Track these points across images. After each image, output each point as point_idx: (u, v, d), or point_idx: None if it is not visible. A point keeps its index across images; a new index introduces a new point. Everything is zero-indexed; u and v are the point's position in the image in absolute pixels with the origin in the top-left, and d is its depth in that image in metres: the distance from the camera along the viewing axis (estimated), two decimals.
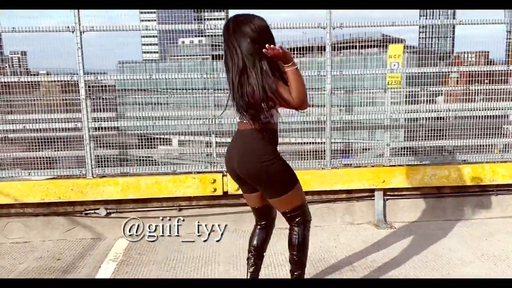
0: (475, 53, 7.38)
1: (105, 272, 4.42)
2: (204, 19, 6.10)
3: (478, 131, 5.65)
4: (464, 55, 7.49)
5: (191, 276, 4.27)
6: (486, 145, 5.70)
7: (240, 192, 5.26)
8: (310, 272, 4.18)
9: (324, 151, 5.42)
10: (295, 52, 5.31)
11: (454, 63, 6.68)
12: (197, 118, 5.50)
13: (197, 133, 5.77)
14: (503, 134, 5.84)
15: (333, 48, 5.28)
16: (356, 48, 6.30)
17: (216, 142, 5.60)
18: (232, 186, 5.23)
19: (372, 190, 5.53)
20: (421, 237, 5.07)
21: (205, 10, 6.02)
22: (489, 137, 5.66)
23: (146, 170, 5.39)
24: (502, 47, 6.01)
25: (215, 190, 5.23)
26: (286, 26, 5.17)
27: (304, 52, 5.43)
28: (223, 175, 5.26)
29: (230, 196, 5.33)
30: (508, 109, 5.81)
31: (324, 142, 5.44)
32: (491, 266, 4.34)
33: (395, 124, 5.65)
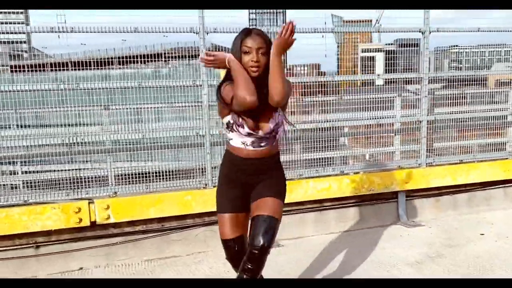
0: (306, 66, 7.52)
1: None
2: None
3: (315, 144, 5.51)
4: (296, 68, 7.60)
5: None
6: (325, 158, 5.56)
7: (111, 221, 4.63)
8: None
9: (204, 168, 4.97)
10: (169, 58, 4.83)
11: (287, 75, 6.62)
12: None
13: None
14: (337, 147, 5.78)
15: None
16: None
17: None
18: (101, 215, 4.53)
19: None
20: (308, 253, 4.85)
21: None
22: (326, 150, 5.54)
23: None
24: (333, 61, 6.11)
25: (80, 220, 4.48)
26: (154, 30, 4.67)
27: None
28: (89, 202, 4.53)
29: (99, 226, 4.61)
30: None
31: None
32: (383, 274, 4.30)
33: None
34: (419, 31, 5.55)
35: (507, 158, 6.18)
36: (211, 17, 4.81)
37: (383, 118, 5.70)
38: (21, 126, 4.86)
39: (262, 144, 2.96)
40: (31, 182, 4.78)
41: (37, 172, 4.92)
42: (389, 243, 5.09)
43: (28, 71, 4.75)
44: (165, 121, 5.01)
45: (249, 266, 2.87)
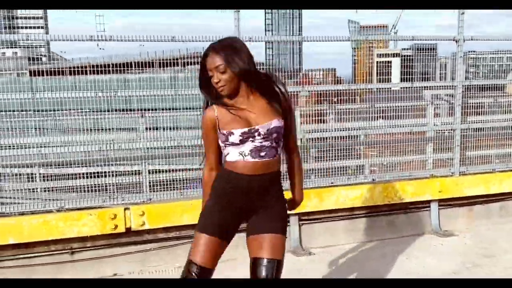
0: (322, 70, 7.46)
1: None
2: (18, 28, 5.26)
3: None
4: (312, 73, 7.55)
5: None
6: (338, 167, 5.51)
7: (145, 227, 4.65)
8: None
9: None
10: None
11: (303, 82, 6.62)
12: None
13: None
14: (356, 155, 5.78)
15: None
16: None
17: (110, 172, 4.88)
18: (136, 221, 4.55)
19: None
20: (340, 261, 4.83)
21: (19, 18, 5.25)
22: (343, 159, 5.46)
23: (26, 208, 4.49)
24: (348, 65, 6.01)
25: (116, 227, 4.51)
26: (191, 39, 4.70)
27: None
28: (125, 209, 4.56)
29: (134, 233, 4.64)
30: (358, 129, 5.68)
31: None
32: None
33: None
34: (453, 40, 5.48)
35: None
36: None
37: (416, 126, 5.65)
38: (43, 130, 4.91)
39: (262, 154, 2.60)
40: (67, 188, 4.83)
41: (74, 178, 4.97)
42: (423, 253, 5.03)
43: (49, 75, 4.79)
44: (198, 128, 5.02)
45: None
